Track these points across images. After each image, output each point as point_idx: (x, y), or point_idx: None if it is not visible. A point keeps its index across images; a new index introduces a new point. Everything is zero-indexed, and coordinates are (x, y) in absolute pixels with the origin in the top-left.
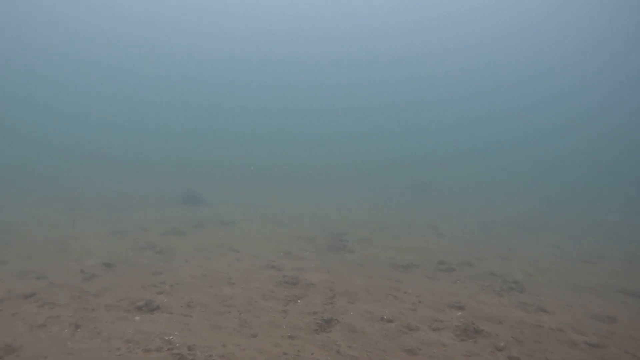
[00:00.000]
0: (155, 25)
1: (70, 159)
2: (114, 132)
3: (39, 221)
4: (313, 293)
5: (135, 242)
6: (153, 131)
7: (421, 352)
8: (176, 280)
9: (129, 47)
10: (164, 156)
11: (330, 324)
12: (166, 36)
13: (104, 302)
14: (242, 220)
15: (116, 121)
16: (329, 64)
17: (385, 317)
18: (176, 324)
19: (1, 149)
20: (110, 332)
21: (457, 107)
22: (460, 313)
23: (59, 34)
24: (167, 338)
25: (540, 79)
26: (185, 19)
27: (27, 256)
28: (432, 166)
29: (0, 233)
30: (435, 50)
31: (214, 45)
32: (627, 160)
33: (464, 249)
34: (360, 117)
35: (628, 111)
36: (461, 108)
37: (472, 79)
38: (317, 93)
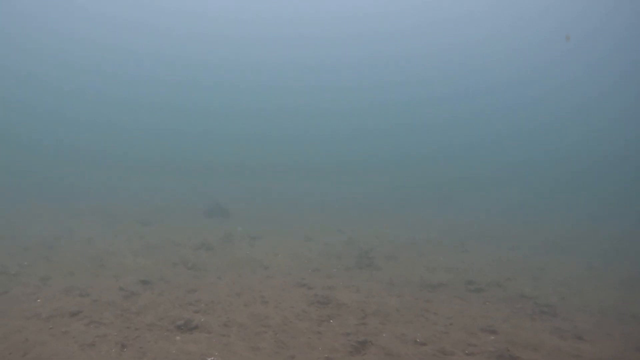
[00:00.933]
0: (171, 33)
1: (97, 167)
2: (139, 139)
3: (75, 235)
4: (345, 313)
5: (168, 258)
6: (182, 138)
7: None
8: (211, 298)
9: (144, 56)
10: (191, 163)
11: (365, 346)
12: (183, 44)
13: (146, 321)
14: (270, 234)
15: (140, 128)
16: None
17: (418, 340)
18: (216, 344)
19: (31, 161)
20: (156, 353)
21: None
22: (493, 337)
23: (73, 46)
24: (209, 359)
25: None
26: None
27: (69, 272)
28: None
29: (42, 247)
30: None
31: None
32: None
33: (492, 268)
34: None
35: None
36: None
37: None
38: (335, 95)
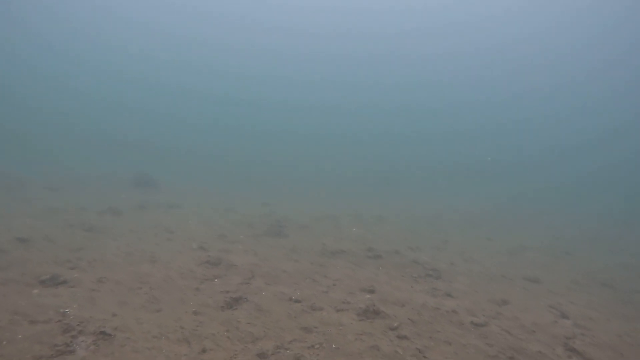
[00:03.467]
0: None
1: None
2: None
3: None
4: (233, 274)
5: (65, 220)
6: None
7: (316, 330)
8: (95, 257)
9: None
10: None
11: (238, 302)
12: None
13: (5, 277)
14: (192, 204)
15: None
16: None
17: (294, 297)
18: (79, 299)
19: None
20: None
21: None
22: (369, 296)
23: (136, 34)
24: (62, 311)
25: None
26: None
27: None
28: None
29: None
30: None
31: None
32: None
33: (401, 239)
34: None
35: None
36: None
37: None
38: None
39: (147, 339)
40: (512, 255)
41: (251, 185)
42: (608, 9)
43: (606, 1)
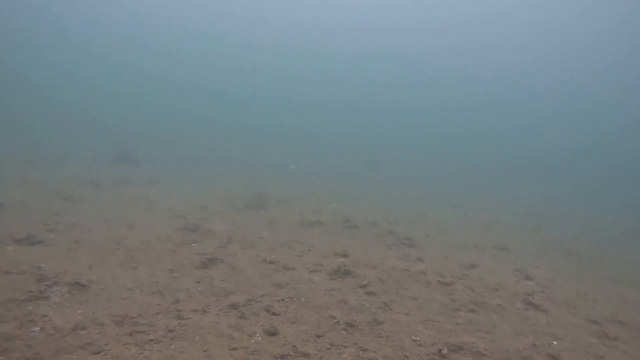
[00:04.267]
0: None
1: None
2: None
3: None
4: (210, 239)
5: (42, 189)
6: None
7: (287, 287)
8: (73, 221)
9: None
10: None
11: (214, 263)
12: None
13: None
14: (174, 180)
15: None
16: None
17: (268, 259)
18: (55, 255)
19: None
20: None
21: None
22: (342, 260)
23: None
24: (37, 265)
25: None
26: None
27: None
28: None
29: None
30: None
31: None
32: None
33: (377, 213)
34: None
35: None
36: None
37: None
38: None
39: (121, 291)
40: (486, 229)
41: (237, 170)
42: None
43: None
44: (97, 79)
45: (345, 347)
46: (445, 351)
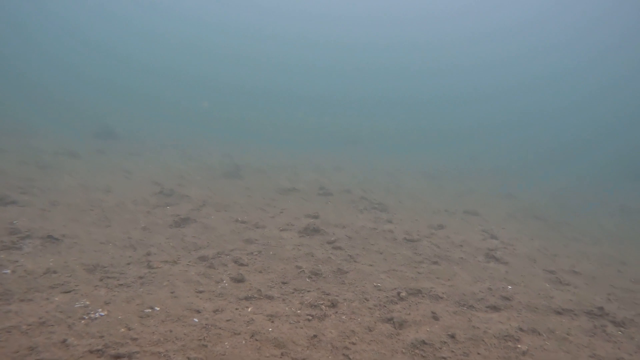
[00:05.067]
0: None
1: None
2: None
3: None
4: (185, 202)
5: (17, 158)
6: None
7: (257, 242)
8: (48, 185)
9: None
10: None
11: (187, 222)
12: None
13: None
14: (153, 153)
15: None
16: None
17: (240, 219)
18: (29, 214)
19: None
20: None
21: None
22: (311, 220)
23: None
24: (11, 221)
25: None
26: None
27: None
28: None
29: None
30: None
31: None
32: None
33: (353, 183)
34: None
35: None
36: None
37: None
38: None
39: (94, 245)
40: (459, 197)
41: (216, 140)
42: None
43: None
44: (78, 62)
45: (308, 291)
46: (403, 294)
